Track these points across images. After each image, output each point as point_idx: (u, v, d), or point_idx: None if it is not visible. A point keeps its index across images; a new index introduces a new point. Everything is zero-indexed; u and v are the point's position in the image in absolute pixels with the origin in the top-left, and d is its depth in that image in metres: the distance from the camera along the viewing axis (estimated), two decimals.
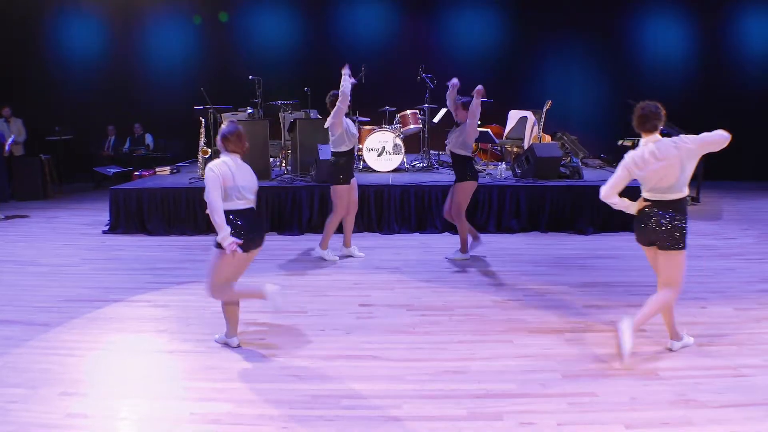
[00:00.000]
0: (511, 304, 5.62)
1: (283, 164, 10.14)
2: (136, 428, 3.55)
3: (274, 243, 8.05)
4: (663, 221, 4.17)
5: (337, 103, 6.48)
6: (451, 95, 6.80)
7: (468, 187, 6.78)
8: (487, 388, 3.99)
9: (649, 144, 4.23)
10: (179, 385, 4.07)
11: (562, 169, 9.39)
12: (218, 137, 4.51)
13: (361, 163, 9.95)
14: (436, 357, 4.47)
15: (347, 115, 6.86)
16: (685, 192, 4.23)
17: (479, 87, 6.46)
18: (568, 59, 14.03)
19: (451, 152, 6.79)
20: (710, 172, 11.58)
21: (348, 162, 6.91)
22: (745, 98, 13.78)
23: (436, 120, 10.81)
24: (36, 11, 14.00)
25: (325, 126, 6.69)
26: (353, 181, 7.07)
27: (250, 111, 10.45)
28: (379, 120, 10.81)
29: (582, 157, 11.21)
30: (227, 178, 4.27)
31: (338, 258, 7.17)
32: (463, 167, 6.78)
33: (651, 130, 4.25)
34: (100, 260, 7.29)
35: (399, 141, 9.98)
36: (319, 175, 8.67)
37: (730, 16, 13.97)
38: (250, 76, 10.09)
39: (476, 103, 6.47)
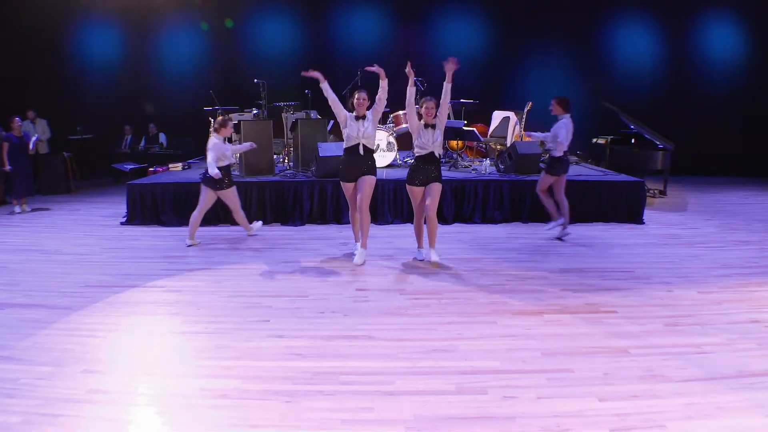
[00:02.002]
0: (495, 288, 5.63)
1: (286, 161, 10.11)
2: (151, 403, 3.54)
3: (278, 233, 8.05)
4: None
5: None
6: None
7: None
8: (473, 365, 4.00)
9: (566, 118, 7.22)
10: (191, 364, 4.07)
11: (542, 165, 9.38)
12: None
13: None
14: (427, 337, 4.47)
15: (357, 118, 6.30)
16: None
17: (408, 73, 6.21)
18: (547, 64, 14.00)
19: (433, 153, 6.23)
20: (676, 168, 11.60)
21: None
22: (709, 100, 13.84)
23: None
24: (59, 23, 13.93)
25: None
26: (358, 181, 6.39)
27: (255, 112, 10.41)
28: None
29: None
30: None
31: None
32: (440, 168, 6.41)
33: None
34: (118, 249, 7.27)
35: (392, 139, 9.97)
36: (320, 171, 8.66)
37: (696, 25, 14.00)
38: (255, 80, 10.04)
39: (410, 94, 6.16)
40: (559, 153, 7.33)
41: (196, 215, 7.29)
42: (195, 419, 3.36)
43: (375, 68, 6.18)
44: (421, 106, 6.22)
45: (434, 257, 6.32)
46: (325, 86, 6.27)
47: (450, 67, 6.07)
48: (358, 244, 6.62)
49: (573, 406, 3.43)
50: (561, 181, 7.47)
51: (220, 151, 7.11)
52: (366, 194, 6.30)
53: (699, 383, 3.69)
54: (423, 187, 6.30)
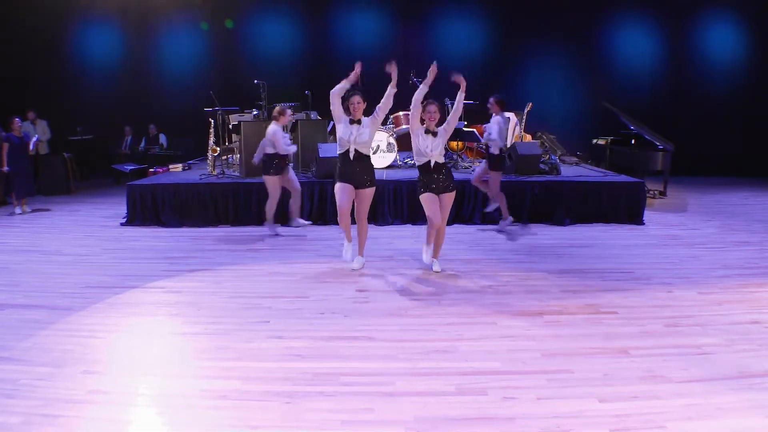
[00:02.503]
0: (495, 289, 5.63)
1: None
2: (151, 403, 3.54)
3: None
4: None
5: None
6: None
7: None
8: (473, 366, 3.99)
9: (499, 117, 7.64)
10: (191, 364, 4.07)
11: (542, 166, 9.40)
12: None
13: None
14: (427, 338, 4.47)
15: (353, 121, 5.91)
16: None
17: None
18: (547, 65, 14.02)
19: (437, 163, 5.88)
20: (676, 169, 11.60)
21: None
22: (708, 100, 13.85)
23: None
24: (59, 24, 13.94)
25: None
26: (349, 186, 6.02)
27: (255, 113, 10.41)
28: None
29: (560, 155, 11.23)
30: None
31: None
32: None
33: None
34: (118, 250, 7.27)
35: (392, 140, 9.97)
36: (320, 171, 8.66)
37: (696, 25, 14.02)
38: (255, 81, 10.05)
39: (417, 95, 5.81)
40: (495, 150, 7.72)
41: (271, 206, 7.78)
42: (195, 420, 3.36)
43: (393, 71, 5.88)
44: (423, 110, 5.82)
45: (436, 267, 6.16)
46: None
47: (461, 79, 5.92)
48: (349, 245, 6.26)
49: (573, 407, 3.43)
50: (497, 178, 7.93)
51: (279, 138, 7.46)
52: (366, 206, 6.10)
53: (699, 384, 3.69)
54: (436, 195, 5.92)
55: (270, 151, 7.55)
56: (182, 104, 13.47)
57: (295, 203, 8.00)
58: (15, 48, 13.51)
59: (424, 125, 5.87)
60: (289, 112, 7.79)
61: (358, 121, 5.90)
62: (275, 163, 7.58)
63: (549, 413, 3.38)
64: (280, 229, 8.07)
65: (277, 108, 7.77)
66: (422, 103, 5.85)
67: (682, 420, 3.28)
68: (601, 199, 8.73)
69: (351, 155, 5.91)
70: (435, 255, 6.25)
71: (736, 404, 3.45)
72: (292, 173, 7.89)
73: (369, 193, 6.07)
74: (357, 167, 5.95)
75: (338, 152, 6.04)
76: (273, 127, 7.55)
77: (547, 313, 4.97)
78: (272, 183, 7.66)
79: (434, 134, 5.84)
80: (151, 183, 8.90)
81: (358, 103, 5.87)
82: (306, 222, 8.17)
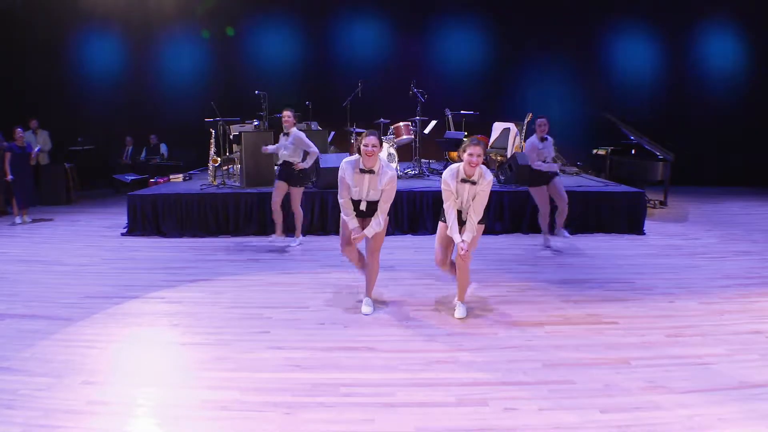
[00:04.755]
0: (496, 299, 5.62)
1: None
2: (151, 414, 3.53)
3: (278, 244, 8.03)
4: None
5: None
6: None
7: None
8: (474, 376, 3.98)
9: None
10: (191, 375, 4.06)
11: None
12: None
13: None
14: (427, 348, 4.46)
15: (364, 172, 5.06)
16: None
17: None
18: (547, 75, 14.06)
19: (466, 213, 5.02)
20: (677, 178, 11.61)
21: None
22: (706, 110, 13.87)
23: (426, 131, 10.83)
24: (60, 33, 14.01)
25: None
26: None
27: (256, 123, 10.45)
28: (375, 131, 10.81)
29: (560, 165, 11.23)
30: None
31: None
32: None
33: None
34: (118, 260, 7.26)
35: (393, 150, 9.98)
36: (320, 182, 8.68)
37: (694, 37, 14.08)
38: (257, 91, 10.08)
39: None
40: (302, 165, 7.58)
41: None
42: (194, 431, 3.35)
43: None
44: (463, 151, 4.83)
45: (459, 312, 5.12)
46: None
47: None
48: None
49: (574, 418, 3.42)
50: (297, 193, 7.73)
51: (527, 151, 7.60)
52: (379, 241, 5.19)
53: (701, 394, 3.68)
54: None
55: (539, 166, 7.45)
56: (183, 114, 13.51)
57: (560, 214, 7.61)
58: (16, 58, 13.58)
59: (459, 176, 4.86)
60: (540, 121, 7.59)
61: (370, 171, 4.97)
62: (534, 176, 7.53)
63: (550, 424, 3.36)
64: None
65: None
66: (463, 149, 4.86)
67: (684, 431, 3.27)
68: (601, 209, 8.73)
69: (363, 207, 5.12)
70: (460, 297, 5.21)
71: (738, 415, 3.43)
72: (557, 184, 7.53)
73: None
74: (369, 210, 5.14)
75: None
76: (529, 140, 7.57)
77: (548, 324, 4.96)
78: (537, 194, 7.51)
79: (473, 183, 4.82)
80: (151, 193, 8.91)
81: (374, 146, 4.88)
82: (569, 235, 7.75)
